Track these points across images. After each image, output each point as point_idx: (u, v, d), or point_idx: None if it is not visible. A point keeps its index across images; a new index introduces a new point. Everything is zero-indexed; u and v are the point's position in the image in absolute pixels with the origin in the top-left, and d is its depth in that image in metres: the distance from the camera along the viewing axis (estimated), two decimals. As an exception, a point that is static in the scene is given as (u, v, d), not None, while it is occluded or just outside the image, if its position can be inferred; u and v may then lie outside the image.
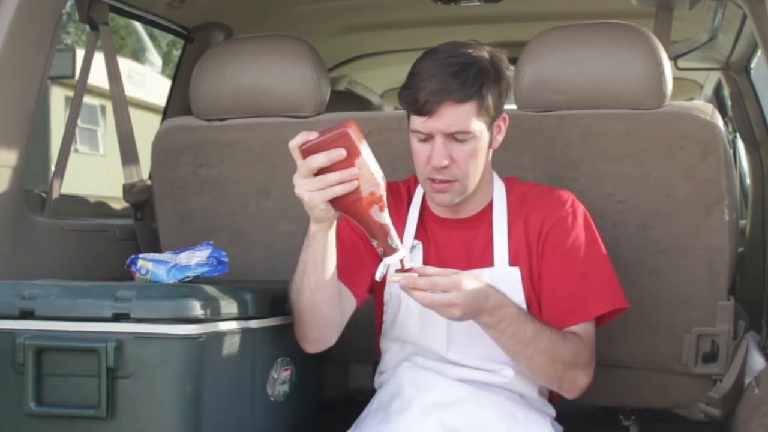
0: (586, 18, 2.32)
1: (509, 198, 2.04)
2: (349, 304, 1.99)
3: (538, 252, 1.99)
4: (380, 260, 1.77)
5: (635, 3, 2.64)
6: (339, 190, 1.69)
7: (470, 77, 1.86)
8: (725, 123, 3.61)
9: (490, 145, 1.96)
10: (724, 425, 2.29)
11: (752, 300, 2.67)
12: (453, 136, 1.89)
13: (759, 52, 3.17)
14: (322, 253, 1.82)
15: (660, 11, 2.54)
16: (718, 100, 4.10)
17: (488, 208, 2.04)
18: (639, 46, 2.14)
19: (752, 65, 3.52)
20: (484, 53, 1.91)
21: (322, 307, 1.89)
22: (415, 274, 1.75)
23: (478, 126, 1.89)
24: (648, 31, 2.19)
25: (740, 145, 3.77)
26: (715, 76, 4.05)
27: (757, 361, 2.29)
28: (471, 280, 1.78)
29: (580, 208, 2.01)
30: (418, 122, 1.90)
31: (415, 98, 1.88)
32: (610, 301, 1.97)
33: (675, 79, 2.20)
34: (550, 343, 1.87)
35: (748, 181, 3.75)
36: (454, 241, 2.03)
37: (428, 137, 1.91)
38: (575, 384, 1.94)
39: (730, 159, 2.17)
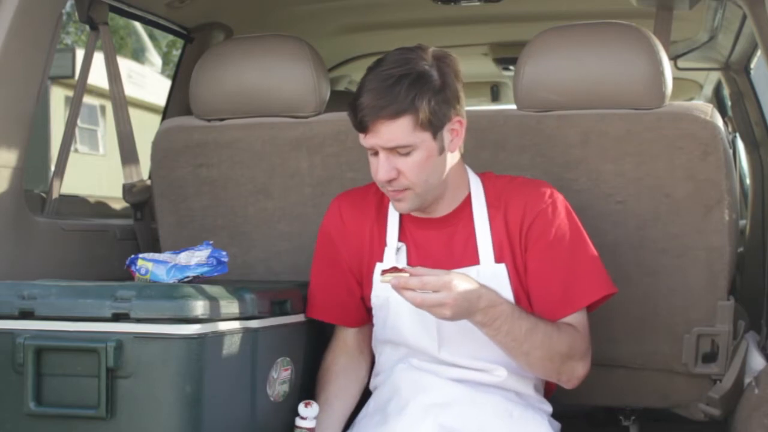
0: (586, 18, 2.32)
1: (486, 193, 2.02)
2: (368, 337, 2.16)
3: (521, 246, 1.98)
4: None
5: (635, 3, 2.64)
6: None
7: (402, 90, 1.84)
8: (725, 123, 3.60)
9: (443, 150, 1.93)
10: (724, 425, 2.29)
11: (752, 300, 2.67)
12: (395, 150, 1.88)
13: (759, 52, 3.17)
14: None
15: (660, 11, 2.54)
16: (718, 100, 4.10)
17: (464, 205, 2.02)
18: (639, 46, 2.14)
19: (752, 65, 3.51)
20: (428, 60, 1.88)
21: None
22: (406, 274, 1.77)
23: (419, 137, 1.87)
24: (648, 31, 2.18)
25: (740, 145, 3.76)
26: (715, 76, 4.05)
27: (756, 361, 2.29)
28: (462, 280, 1.79)
29: (560, 198, 2.00)
30: (361, 138, 1.91)
31: (354, 116, 1.89)
32: (599, 288, 1.97)
33: (675, 79, 2.20)
34: (545, 337, 1.88)
35: (748, 181, 3.75)
36: (433, 241, 2.02)
37: (375, 151, 1.91)
38: (574, 374, 1.95)
39: (730, 159, 2.17)
